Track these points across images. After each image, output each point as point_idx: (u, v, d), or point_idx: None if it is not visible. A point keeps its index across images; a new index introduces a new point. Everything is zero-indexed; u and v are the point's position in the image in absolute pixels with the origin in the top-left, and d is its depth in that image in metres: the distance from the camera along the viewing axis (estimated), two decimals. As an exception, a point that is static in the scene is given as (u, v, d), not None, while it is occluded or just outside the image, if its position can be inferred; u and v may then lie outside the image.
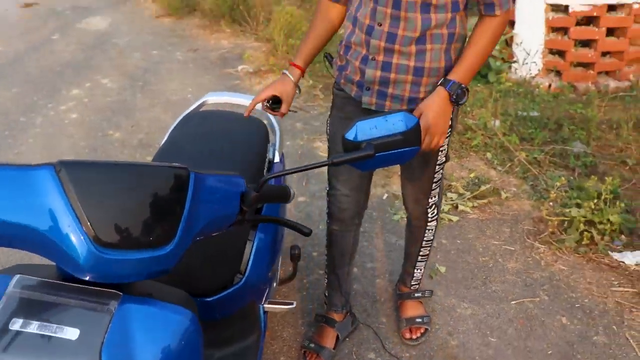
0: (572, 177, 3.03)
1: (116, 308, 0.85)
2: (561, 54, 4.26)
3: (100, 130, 3.80)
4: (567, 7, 4.07)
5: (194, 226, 0.94)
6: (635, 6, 4.00)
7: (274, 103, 1.68)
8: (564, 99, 4.00)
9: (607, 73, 4.28)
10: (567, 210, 2.62)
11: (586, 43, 4.20)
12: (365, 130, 1.10)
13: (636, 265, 2.36)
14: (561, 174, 3.07)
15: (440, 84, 1.49)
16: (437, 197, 1.85)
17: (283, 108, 1.68)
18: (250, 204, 1.09)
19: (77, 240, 0.81)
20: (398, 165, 1.85)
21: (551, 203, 2.76)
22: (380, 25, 1.50)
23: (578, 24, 4.13)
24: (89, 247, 0.82)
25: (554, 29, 4.22)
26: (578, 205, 2.62)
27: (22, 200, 0.82)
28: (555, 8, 4.13)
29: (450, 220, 2.77)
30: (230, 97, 2.16)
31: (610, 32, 4.13)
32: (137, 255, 0.86)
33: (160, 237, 0.88)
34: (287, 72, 1.69)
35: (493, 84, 4.31)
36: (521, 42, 4.31)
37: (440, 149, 1.67)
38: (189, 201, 0.92)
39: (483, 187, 2.97)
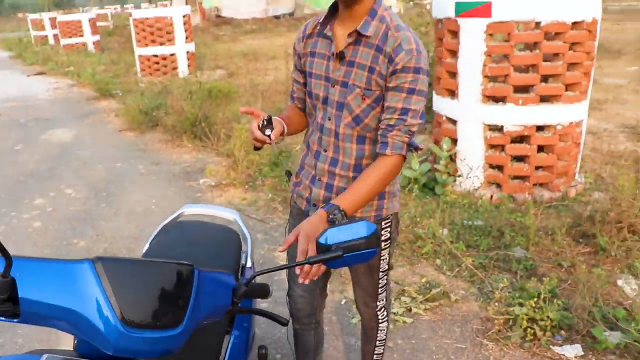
0: (514, 279, 3.28)
1: None
2: (500, 168, 4.68)
3: (65, 239, 3.88)
4: (502, 127, 4.54)
5: (197, 312, 1.14)
6: (559, 127, 4.51)
7: (266, 127, 1.63)
8: (504, 209, 4.35)
9: (541, 185, 4.70)
10: (511, 309, 2.83)
11: (521, 158, 4.64)
12: (334, 235, 1.30)
13: (575, 357, 2.55)
14: (504, 276, 3.31)
15: (322, 206, 1.58)
16: (384, 300, 2.03)
17: (273, 134, 1.61)
18: (239, 297, 1.28)
19: (108, 320, 1.00)
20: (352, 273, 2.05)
21: (497, 303, 2.97)
22: (326, 151, 1.77)
23: (513, 141, 4.59)
24: (117, 326, 1.00)
25: (492, 146, 4.67)
26: (521, 305, 2.84)
27: (66, 287, 1.01)
28: (493, 128, 4.60)
29: (404, 321, 2.93)
30: (205, 209, 2.35)
31: (541, 149, 4.60)
32: (154, 334, 1.04)
33: (171, 320, 1.07)
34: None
35: (440, 196, 4.66)
36: (464, 158, 4.72)
37: (382, 258, 1.89)
38: (194, 292, 1.13)
39: (434, 291, 3.17)
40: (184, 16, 11.39)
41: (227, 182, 4.97)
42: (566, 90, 4.44)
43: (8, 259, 0.96)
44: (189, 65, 11.56)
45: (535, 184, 4.67)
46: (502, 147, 4.64)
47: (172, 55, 11.34)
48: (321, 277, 2.00)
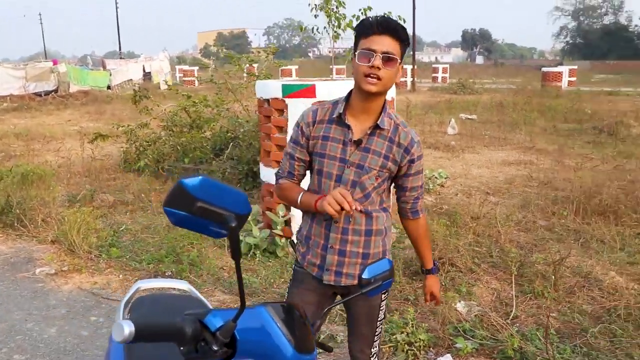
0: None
1: None
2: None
3: None
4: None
5: None
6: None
7: None
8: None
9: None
10: (393, 337, 3.37)
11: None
12: (370, 271, 1.70)
13: (453, 365, 3.17)
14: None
15: (428, 272, 2.34)
16: (377, 347, 2.34)
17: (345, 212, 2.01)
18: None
19: (287, 348, 1.28)
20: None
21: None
22: (337, 222, 2.10)
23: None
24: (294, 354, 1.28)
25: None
26: (401, 333, 3.39)
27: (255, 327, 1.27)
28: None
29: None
30: (161, 282, 2.43)
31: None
32: (309, 357, 1.32)
33: (312, 347, 1.37)
34: (307, 196, 2.13)
35: (281, 257, 5.09)
36: (297, 222, 5.26)
37: (381, 308, 2.26)
38: None
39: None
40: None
41: (69, 267, 4.71)
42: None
43: (242, 307, 1.18)
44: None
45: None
46: (331, 207, 5.30)
47: None
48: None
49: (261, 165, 5.65)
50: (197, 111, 8.75)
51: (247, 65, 9.28)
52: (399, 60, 2.00)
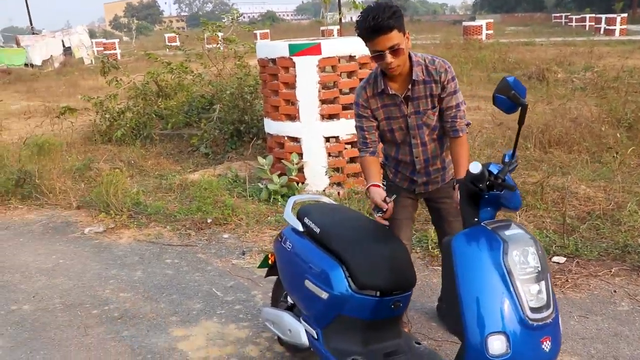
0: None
1: None
2: (340, 169, 5.96)
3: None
4: (338, 137, 5.84)
5: None
6: (374, 132, 6.03)
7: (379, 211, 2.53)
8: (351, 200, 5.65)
9: (367, 178, 6.15)
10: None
11: (353, 159, 6.01)
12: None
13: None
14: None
15: (459, 182, 2.41)
16: None
17: (387, 213, 2.51)
18: None
19: None
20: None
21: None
22: (417, 157, 2.76)
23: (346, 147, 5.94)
24: None
25: (330, 154, 5.93)
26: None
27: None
28: (332, 139, 5.86)
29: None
30: (308, 196, 3.01)
31: (365, 150, 6.04)
32: None
33: None
34: (374, 189, 2.58)
35: (299, 200, 5.71)
36: (311, 167, 5.87)
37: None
38: None
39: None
40: None
41: (119, 224, 5.10)
42: (375, 104, 6.00)
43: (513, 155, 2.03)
44: None
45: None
46: (339, 153, 5.94)
47: None
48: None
49: (267, 120, 6.17)
50: (180, 77, 9.02)
51: (210, 34, 9.50)
52: (404, 36, 2.44)
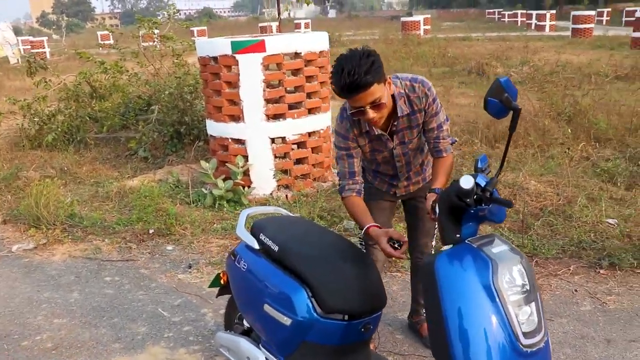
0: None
1: None
2: (286, 172, 5.74)
3: None
4: (284, 138, 5.61)
5: None
6: (321, 131, 5.84)
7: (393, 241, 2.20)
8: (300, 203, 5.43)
9: (316, 179, 5.95)
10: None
11: (300, 161, 5.80)
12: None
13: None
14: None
15: (431, 191, 2.28)
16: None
17: (403, 248, 2.18)
18: None
19: None
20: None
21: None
22: (401, 172, 2.68)
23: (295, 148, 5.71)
24: None
25: (276, 156, 5.69)
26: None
27: None
28: (278, 140, 5.62)
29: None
30: (262, 209, 2.76)
31: (314, 149, 5.85)
32: None
33: None
34: (374, 231, 2.27)
35: (247, 205, 5.44)
36: (257, 170, 5.61)
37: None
38: None
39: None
40: None
41: (51, 239, 4.67)
42: (323, 102, 5.81)
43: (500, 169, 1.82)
44: None
45: (314, 179, 5.90)
46: (285, 154, 5.71)
47: None
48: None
49: (210, 122, 5.87)
50: (115, 77, 8.53)
51: (145, 31, 9.05)
52: (385, 84, 2.22)
